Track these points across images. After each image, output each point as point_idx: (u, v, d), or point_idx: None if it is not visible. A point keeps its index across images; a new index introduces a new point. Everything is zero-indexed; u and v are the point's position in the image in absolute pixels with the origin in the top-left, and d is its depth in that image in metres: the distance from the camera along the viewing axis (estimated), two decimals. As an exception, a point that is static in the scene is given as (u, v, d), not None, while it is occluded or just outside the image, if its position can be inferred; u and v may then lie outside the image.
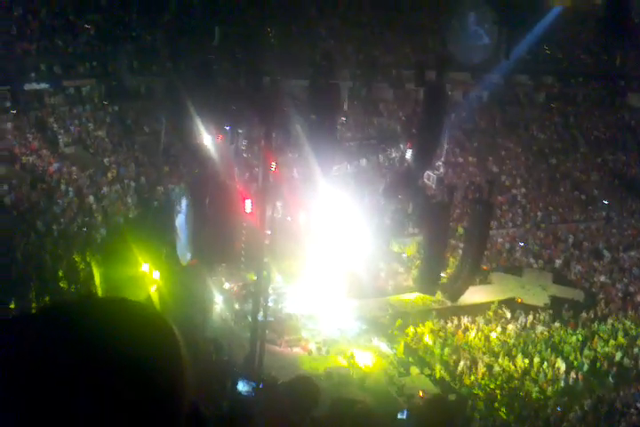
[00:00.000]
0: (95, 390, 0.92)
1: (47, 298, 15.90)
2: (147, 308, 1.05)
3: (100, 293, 17.68)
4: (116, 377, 0.93)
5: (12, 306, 14.80)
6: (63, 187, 21.67)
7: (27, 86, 24.21)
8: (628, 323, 22.50)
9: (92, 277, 18.44)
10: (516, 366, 19.68)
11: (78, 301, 1.02)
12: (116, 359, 0.93)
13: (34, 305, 15.34)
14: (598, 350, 20.71)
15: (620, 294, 24.91)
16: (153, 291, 19.51)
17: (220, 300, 20.66)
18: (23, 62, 24.43)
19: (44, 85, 24.62)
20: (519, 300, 23.74)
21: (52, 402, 0.91)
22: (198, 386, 1.05)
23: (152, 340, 0.99)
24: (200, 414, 1.09)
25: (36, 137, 23.45)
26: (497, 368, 19.49)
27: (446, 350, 20.20)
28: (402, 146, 30.12)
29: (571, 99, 35.58)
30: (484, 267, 24.25)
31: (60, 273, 17.63)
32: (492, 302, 23.26)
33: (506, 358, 19.99)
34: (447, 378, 19.13)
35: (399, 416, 12.10)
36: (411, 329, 21.14)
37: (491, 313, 22.67)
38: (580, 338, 21.27)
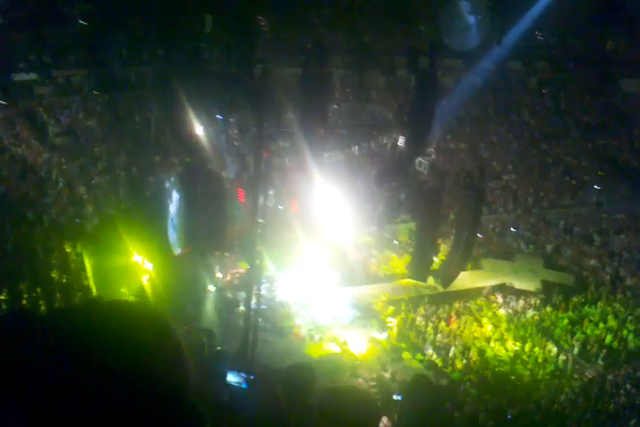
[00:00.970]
0: (102, 395, 0.95)
1: (38, 289, 15.96)
2: (148, 310, 1.08)
3: (91, 283, 17.76)
4: (121, 382, 0.96)
5: (3, 297, 14.87)
6: (54, 177, 21.66)
7: (15, 77, 24.08)
8: (617, 306, 22.74)
9: (83, 267, 18.49)
10: (507, 350, 19.91)
11: (82, 307, 1.06)
12: (121, 365, 0.97)
13: (25, 296, 15.41)
14: (588, 333, 20.94)
15: (609, 278, 25.15)
16: (145, 281, 19.59)
17: (212, 288, 20.74)
18: (12, 52, 24.27)
19: (33, 75, 24.48)
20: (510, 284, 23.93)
21: (58, 409, 0.94)
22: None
23: (155, 344, 1.02)
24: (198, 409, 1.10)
25: (26, 127, 23.38)
26: (489, 353, 19.72)
27: (438, 335, 20.40)
28: (393, 133, 30.14)
29: (562, 84, 35.55)
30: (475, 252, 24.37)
31: (52, 264, 17.67)
32: (484, 288, 23.46)
33: (497, 342, 20.22)
34: (439, 363, 19.34)
35: (394, 397, 12.25)
36: (403, 315, 21.32)
37: (482, 298, 22.88)
38: (571, 321, 21.50)
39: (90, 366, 0.96)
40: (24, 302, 15.38)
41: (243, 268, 20.78)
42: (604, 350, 20.20)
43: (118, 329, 1.01)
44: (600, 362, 19.88)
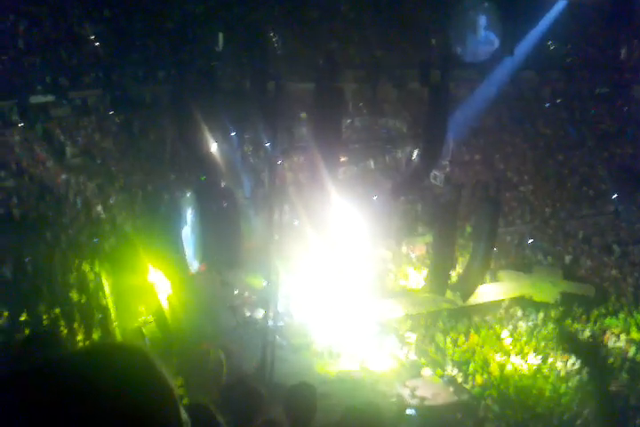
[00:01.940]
0: None
1: (57, 310, 16.07)
2: (139, 356, 1.11)
3: (110, 303, 17.85)
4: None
5: (23, 318, 15.00)
6: (71, 197, 21.89)
7: (32, 99, 24.46)
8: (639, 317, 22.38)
9: (101, 287, 18.60)
10: (528, 365, 19.64)
11: (72, 355, 1.11)
12: (110, 411, 1.00)
13: (45, 317, 15.52)
14: (610, 345, 20.62)
15: (630, 289, 24.79)
16: (163, 299, 19.66)
17: (229, 306, 20.76)
18: (28, 75, 24.69)
19: (49, 97, 24.85)
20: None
21: None
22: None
23: (145, 389, 1.06)
24: None
25: (43, 149, 23.71)
26: (509, 367, 19.47)
27: (457, 350, 20.19)
28: (408, 146, 30.15)
29: (577, 93, 35.39)
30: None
31: (71, 284, 17.80)
32: (503, 301, 23.22)
33: (518, 356, 19.97)
34: (459, 379, 19.12)
35: (407, 412, 12.20)
36: (422, 330, 21.15)
37: (502, 311, 22.64)
38: (592, 334, 21.19)
39: (77, 413, 1.00)
40: (44, 322, 15.49)
41: (259, 284, 20.77)
42: (628, 363, 19.87)
43: (107, 378, 1.05)
44: (624, 375, 19.54)
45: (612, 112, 35.14)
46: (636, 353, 20.32)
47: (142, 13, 29.23)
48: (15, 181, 22.13)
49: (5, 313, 15.78)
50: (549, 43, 35.06)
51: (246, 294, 21.49)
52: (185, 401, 13.15)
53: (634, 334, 21.21)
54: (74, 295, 17.39)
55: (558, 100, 35.32)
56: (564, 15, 33.04)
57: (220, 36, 29.53)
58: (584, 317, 22.22)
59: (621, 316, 22.42)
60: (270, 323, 17.73)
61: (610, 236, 28.47)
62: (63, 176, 22.84)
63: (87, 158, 24.63)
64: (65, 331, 15.74)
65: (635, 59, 35.93)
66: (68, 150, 24.39)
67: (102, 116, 26.21)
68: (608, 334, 21.19)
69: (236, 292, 21.43)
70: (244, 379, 4.22)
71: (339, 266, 22.59)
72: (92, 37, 26.92)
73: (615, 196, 30.33)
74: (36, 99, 24.56)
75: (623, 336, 21.06)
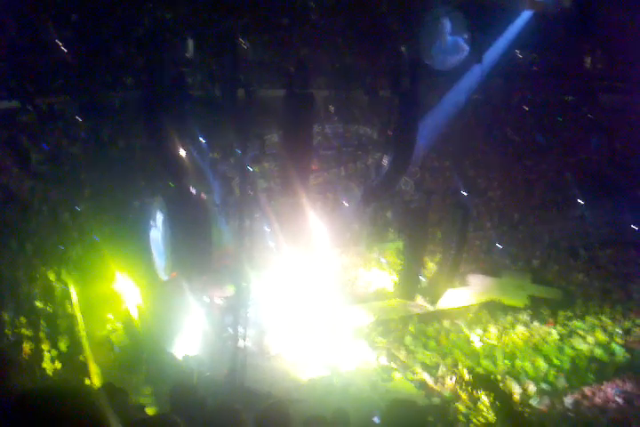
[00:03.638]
0: None
1: (23, 319, 15.76)
2: (82, 399, 1.36)
3: (77, 311, 17.57)
4: None
5: (-14, 328, 14.67)
6: (37, 204, 21.54)
7: (-3, 104, 24.06)
8: (605, 320, 22.78)
9: (68, 295, 18.31)
10: (497, 367, 19.83)
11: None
12: None
13: (8, 326, 15.20)
14: (577, 347, 20.94)
15: (597, 292, 25.25)
16: (132, 307, 19.43)
17: (200, 313, 20.59)
18: (-7, 80, 24.30)
19: (15, 103, 24.44)
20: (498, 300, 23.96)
21: None
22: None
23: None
24: None
25: (8, 155, 23.29)
26: (479, 370, 19.62)
27: (428, 354, 20.31)
28: (378, 153, 30.33)
29: (543, 101, 36.03)
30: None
31: (36, 292, 17.49)
32: (473, 305, 23.47)
33: (487, 359, 20.15)
34: (430, 382, 19.21)
35: (374, 420, 12.15)
36: (392, 335, 21.23)
37: (471, 315, 22.85)
38: (560, 336, 21.50)
39: None
40: (7, 331, 15.18)
41: (230, 291, 20.65)
42: (594, 364, 20.18)
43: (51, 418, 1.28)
44: (590, 376, 19.83)
45: (577, 119, 35.86)
46: (602, 355, 20.65)
47: (111, 19, 28.98)
48: (-21, 188, 21.72)
49: (-32, 322, 15.44)
50: (516, 51, 35.70)
51: (216, 300, 21.37)
52: (153, 411, 12.99)
53: (599, 336, 21.58)
54: (39, 304, 17.09)
55: (525, 108, 35.94)
56: (530, 25, 33.71)
57: (190, 42, 29.41)
58: (551, 319, 22.56)
59: (588, 319, 22.81)
60: (240, 329, 17.62)
61: (577, 240, 29.00)
62: (28, 183, 22.47)
63: (54, 165, 24.26)
64: (30, 342, 15.47)
65: (599, 68, 36.76)
66: (34, 157, 24.01)
67: (69, 123, 25.87)
68: (575, 336, 21.52)
69: (205, 298, 21.28)
70: (225, 403, 4.23)
71: (309, 272, 22.59)
72: (59, 43, 26.59)
73: (582, 201, 30.91)
74: (1, 104, 24.16)
75: (589, 339, 21.40)
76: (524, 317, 22.69)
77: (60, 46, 26.95)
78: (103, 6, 29.59)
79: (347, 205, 27.36)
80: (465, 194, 25.84)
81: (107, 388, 7.04)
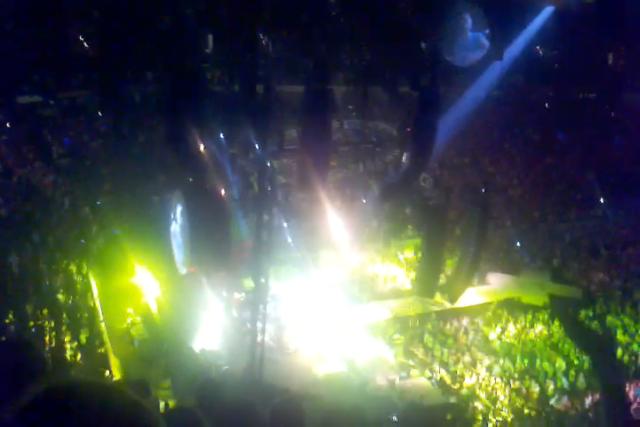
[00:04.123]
0: None
1: (45, 311, 15.92)
2: (122, 394, 1.20)
3: (97, 304, 17.71)
4: None
5: (9, 320, 14.83)
6: (58, 198, 21.73)
7: (20, 99, 24.28)
8: (626, 320, 22.52)
9: (89, 288, 18.46)
10: (516, 366, 19.69)
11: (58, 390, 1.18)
12: None
13: (31, 319, 15.36)
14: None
15: (618, 292, 24.95)
16: (152, 301, 19.54)
17: (218, 308, 20.67)
18: (15, 75, 24.50)
19: (37, 97, 24.68)
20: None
21: None
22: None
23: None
24: None
25: (30, 149, 23.53)
26: (497, 369, 19.50)
27: (446, 351, 20.21)
28: (397, 149, 30.17)
29: (564, 98, 35.63)
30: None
31: (58, 285, 17.65)
32: (491, 303, 23.30)
33: (506, 358, 20.01)
34: (448, 380, 19.12)
35: (392, 418, 12.15)
36: (410, 332, 21.16)
37: (490, 314, 22.70)
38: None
39: None
40: (30, 324, 15.34)
41: (248, 287, 20.69)
42: (615, 365, 19.98)
43: (93, 414, 1.11)
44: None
45: (599, 117, 35.41)
46: (623, 354, 20.43)
47: (132, 14, 29.07)
48: (1, 181, 21.95)
49: (-9, 314, 15.61)
50: (537, 48, 35.32)
51: (235, 295, 21.41)
52: (172, 403, 13.06)
53: (620, 337, 21.34)
54: (61, 296, 17.25)
55: (547, 105, 35.57)
56: (551, 21, 33.28)
57: (210, 38, 29.41)
58: (571, 319, 22.35)
59: (609, 318, 22.56)
60: (259, 325, 17.65)
61: (598, 239, 28.66)
62: (50, 177, 22.67)
63: (75, 159, 24.46)
64: (52, 334, 15.62)
65: (622, 65, 36.22)
66: (55, 151, 24.22)
67: (91, 117, 26.05)
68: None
69: (224, 293, 21.34)
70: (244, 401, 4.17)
71: (328, 269, 22.56)
72: (81, 38, 26.77)
73: (603, 200, 30.55)
74: (23, 99, 24.38)
75: (610, 339, 21.20)
76: (544, 315, 22.49)
77: (81, 42, 27.14)
78: (124, 1, 29.73)
79: (365, 201, 27.24)
80: (484, 191, 25.63)
81: (128, 381, 7.06)
